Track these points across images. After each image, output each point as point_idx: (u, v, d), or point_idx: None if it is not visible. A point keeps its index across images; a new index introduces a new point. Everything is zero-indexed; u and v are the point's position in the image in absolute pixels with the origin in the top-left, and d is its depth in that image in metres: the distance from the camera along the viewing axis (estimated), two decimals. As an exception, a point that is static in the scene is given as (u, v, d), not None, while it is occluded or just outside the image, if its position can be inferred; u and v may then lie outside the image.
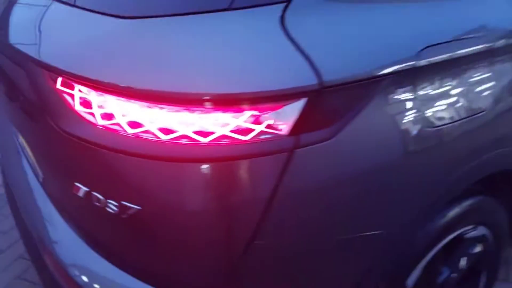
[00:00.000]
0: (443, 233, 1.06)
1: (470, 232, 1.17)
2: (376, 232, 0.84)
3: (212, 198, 0.73)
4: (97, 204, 0.80)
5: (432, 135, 0.83)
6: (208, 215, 0.73)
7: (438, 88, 0.84)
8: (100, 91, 0.76)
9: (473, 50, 0.86)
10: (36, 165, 1.09)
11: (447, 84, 0.85)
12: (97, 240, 0.90)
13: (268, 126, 0.72)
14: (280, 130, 0.72)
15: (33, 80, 0.90)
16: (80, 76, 0.77)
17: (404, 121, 0.80)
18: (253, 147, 0.71)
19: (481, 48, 0.87)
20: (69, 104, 0.81)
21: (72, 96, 0.81)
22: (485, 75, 0.91)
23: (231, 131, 0.71)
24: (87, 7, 0.84)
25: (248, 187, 0.72)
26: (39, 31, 0.91)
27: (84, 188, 0.81)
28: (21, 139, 1.17)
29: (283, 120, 0.72)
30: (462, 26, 0.86)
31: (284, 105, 0.72)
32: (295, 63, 0.71)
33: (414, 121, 0.80)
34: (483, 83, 0.91)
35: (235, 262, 0.76)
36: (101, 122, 0.77)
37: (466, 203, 1.08)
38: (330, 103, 0.73)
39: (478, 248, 1.26)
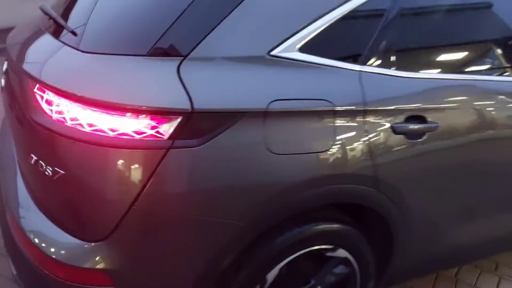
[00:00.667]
0: (297, 244, 1.38)
1: (331, 251, 1.49)
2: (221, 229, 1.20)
3: (108, 171, 1.11)
4: (40, 169, 1.19)
5: (267, 163, 1.20)
6: (103, 181, 1.12)
7: (283, 129, 1.22)
8: (58, 95, 1.17)
9: (310, 107, 1.25)
10: (15, 148, 1.50)
11: (291, 128, 1.24)
12: (40, 199, 1.28)
13: (157, 132, 1.11)
14: (164, 135, 1.11)
15: (22, 85, 1.33)
16: (48, 85, 1.19)
17: (251, 147, 1.18)
18: (142, 143, 1.10)
19: (320, 107, 1.27)
20: (39, 102, 1.22)
21: (42, 97, 1.22)
22: (323, 127, 1.29)
23: (132, 131, 1.11)
24: (64, 41, 1.28)
25: (134, 168, 1.11)
26: (32, 52, 1.35)
27: (35, 157, 1.21)
28: (11, 132, 1.58)
29: (166, 129, 1.11)
30: (307, 91, 1.26)
31: (168, 120, 1.11)
32: (179, 94, 1.11)
33: (258, 149, 1.18)
34: (322, 132, 1.29)
35: (121, 217, 1.13)
36: (55, 116, 1.18)
37: (318, 227, 1.42)
38: (198, 123, 1.12)
39: (343, 269, 1.57)
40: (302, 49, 1.29)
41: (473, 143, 1.62)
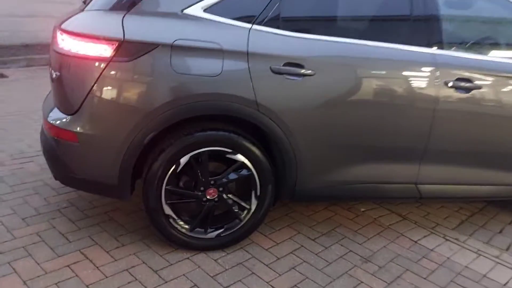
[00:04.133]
0: (201, 143, 2.09)
1: (231, 154, 2.16)
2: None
3: (78, 73, 1.98)
4: (52, 74, 2.11)
5: (171, 77, 1.95)
6: (75, 78, 1.99)
7: (184, 58, 1.97)
8: (64, 33, 2.08)
9: (204, 46, 1.99)
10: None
11: (190, 57, 1.98)
12: (54, 96, 2.20)
13: (104, 51, 1.95)
14: (107, 53, 1.95)
15: (54, 35, 2.27)
16: (60, 28, 2.10)
17: (162, 66, 1.95)
18: (97, 57, 1.95)
19: (211, 47, 1.99)
20: (56, 39, 2.14)
21: (60, 35, 2.14)
22: (214, 60, 2.01)
23: (93, 50, 1.96)
24: (81, 10, 2.20)
25: (91, 72, 1.96)
26: (67, 18, 2.30)
27: (51, 69, 2.14)
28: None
29: (110, 49, 1.95)
30: (203, 37, 2.00)
31: (111, 44, 1.94)
32: (119, 30, 1.94)
33: (166, 67, 1.94)
34: (212, 63, 2.01)
35: (82, 101, 1.99)
36: (61, 44, 2.08)
37: (218, 133, 2.10)
38: (127, 47, 1.94)
39: (243, 171, 2.22)
40: (206, 10, 2.04)
41: (346, 94, 2.18)
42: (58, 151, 2.14)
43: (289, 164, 2.25)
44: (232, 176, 2.23)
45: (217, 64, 2.01)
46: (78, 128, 2.04)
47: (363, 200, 2.90)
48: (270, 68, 2.07)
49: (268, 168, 2.24)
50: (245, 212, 2.31)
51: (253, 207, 2.29)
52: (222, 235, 2.30)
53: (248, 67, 2.04)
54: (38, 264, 2.08)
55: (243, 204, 2.28)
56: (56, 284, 1.95)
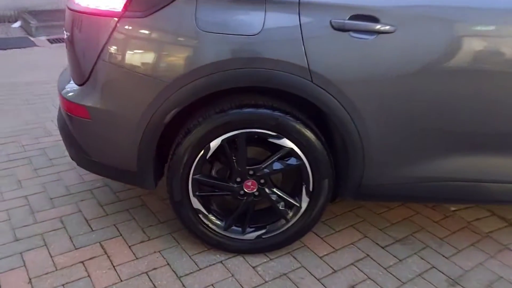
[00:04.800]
0: (237, 122, 1.62)
1: (274, 138, 1.65)
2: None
3: (87, 31, 1.60)
4: (64, 34, 1.76)
5: (194, 37, 1.49)
6: (84, 39, 1.62)
7: (212, 11, 1.48)
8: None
9: None
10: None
11: (219, 10, 1.49)
12: (69, 64, 1.85)
13: (116, 6, 1.53)
14: (118, 7, 1.52)
15: None
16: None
17: (184, 22, 1.48)
18: (106, 12, 1.54)
19: None
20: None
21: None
22: (252, 13, 1.49)
23: (103, 5, 1.56)
24: None
25: (101, 30, 1.56)
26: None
27: (64, 30, 1.78)
28: None
29: (121, 1, 1.52)
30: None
31: (120, -5, 1.52)
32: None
33: (189, 24, 1.47)
34: (250, 18, 1.49)
35: (92, 68, 1.60)
36: (77, 2, 1.71)
37: (258, 110, 1.61)
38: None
39: (292, 161, 1.72)
40: None
41: (437, 60, 1.54)
42: (72, 129, 1.81)
43: (353, 153, 1.70)
44: (277, 166, 1.74)
45: (257, 19, 1.50)
46: (89, 102, 1.67)
47: (451, 203, 2.26)
48: (331, 23, 1.51)
49: (325, 158, 1.71)
50: (294, 211, 1.82)
51: (304, 206, 1.80)
52: (263, 237, 1.85)
53: (300, 22, 1.50)
54: (51, 257, 1.81)
55: (291, 201, 1.80)
56: (62, 285, 1.66)
